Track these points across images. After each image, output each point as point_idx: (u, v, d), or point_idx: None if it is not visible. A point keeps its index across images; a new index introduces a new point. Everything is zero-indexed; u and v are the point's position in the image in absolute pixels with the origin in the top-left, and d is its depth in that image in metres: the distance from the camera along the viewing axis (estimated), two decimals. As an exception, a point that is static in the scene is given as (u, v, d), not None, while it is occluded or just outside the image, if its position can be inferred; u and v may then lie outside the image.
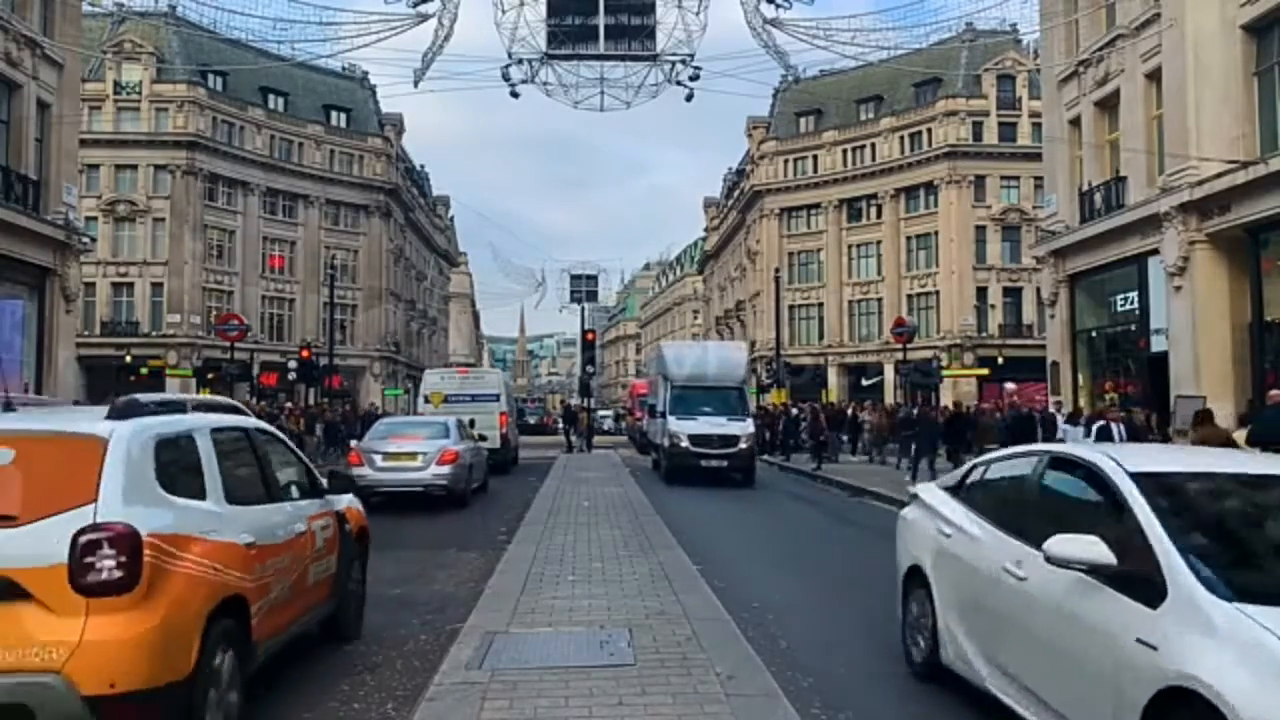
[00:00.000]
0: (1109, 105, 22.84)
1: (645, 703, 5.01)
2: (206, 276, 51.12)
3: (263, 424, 6.67)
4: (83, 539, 4.09)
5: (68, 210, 23.66)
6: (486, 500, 17.69)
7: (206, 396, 6.93)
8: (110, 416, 4.78)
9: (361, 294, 59.42)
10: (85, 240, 25.26)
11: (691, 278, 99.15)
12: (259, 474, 5.88)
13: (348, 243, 59.15)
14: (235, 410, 6.56)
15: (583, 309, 51.08)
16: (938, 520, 6.04)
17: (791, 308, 55.49)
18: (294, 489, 6.35)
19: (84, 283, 29.33)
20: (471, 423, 20.99)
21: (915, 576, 6.20)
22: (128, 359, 45.86)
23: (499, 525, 13.33)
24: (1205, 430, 13.87)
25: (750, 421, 22.53)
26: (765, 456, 28.07)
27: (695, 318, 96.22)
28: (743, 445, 20.99)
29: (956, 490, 6.24)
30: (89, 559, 4.07)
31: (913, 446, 21.88)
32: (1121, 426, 16.04)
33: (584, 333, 40.87)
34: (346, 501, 7.14)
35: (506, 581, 8.38)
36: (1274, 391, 14.52)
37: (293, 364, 38.45)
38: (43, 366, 22.90)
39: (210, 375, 42.05)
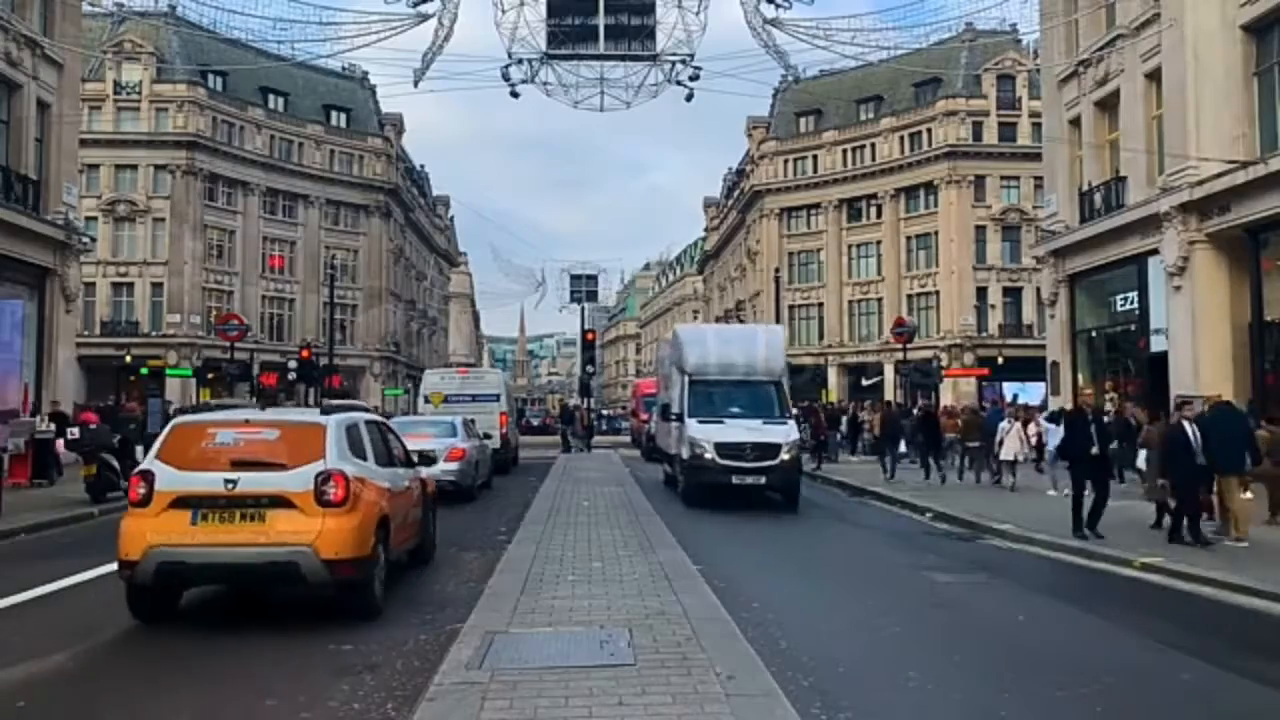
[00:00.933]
0: (1109, 105, 22.85)
1: (645, 703, 5.01)
2: (206, 276, 51.12)
3: (383, 419, 11.01)
4: (320, 476, 7.48)
5: (68, 210, 23.67)
6: (486, 500, 17.71)
7: (352, 401, 10.89)
8: (323, 413, 8.53)
9: (361, 294, 59.42)
10: (85, 240, 25.26)
11: (691, 278, 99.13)
12: (385, 448, 9.36)
13: (348, 243, 59.15)
14: (367, 410, 10.97)
15: (583, 309, 51.19)
16: None
17: (791, 308, 55.46)
18: (398, 460, 9.74)
19: (84, 283, 29.35)
20: (471, 423, 21.02)
21: None
22: (128, 359, 45.84)
23: (499, 525, 13.33)
24: (1148, 431, 14.02)
25: (793, 425, 17.71)
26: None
27: (695, 318, 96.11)
28: (785, 456, 16.35)
29: None
30: (323, 487, 7.46)
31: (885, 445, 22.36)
32: (1196, 428, 11.80)
33: (584, 333, 40.92)
34: (425, 472, 11.00)
35: (506, 581, 8.38)
36: (1211, 394, 14.70)
37: (293, 364, 38.47)
38: (43, 366, 22.89)
39: (210, 375, 42.13)
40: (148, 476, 7.53)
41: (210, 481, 7.38)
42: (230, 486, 7.33)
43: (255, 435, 7.86)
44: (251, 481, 7.38)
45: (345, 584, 7.55)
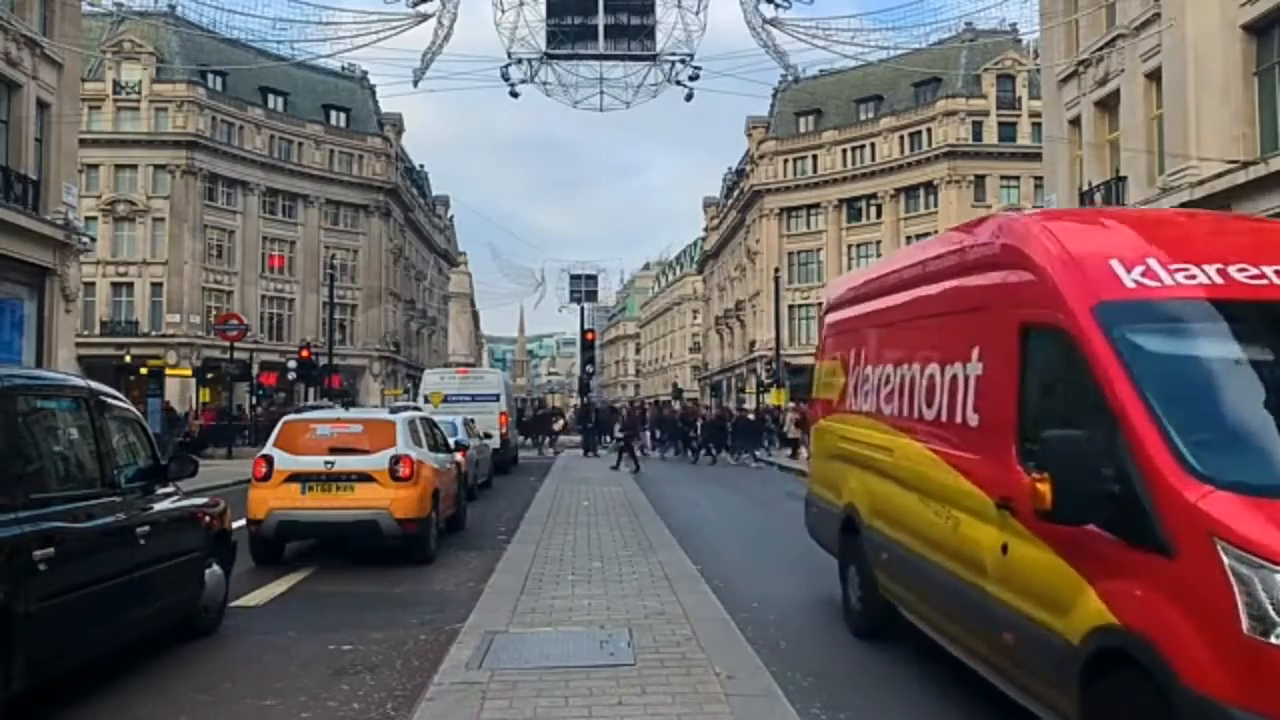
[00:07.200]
0: (1109, 105, 22.82)
1: (645, 703, 5.00)
2: (206, 276, 51.10)
3: (430, 416, 14.30)
4: (392, 459, 10.15)
5: (67, 210, 23.63)
6: (486, 499, 17.72)
7: (408, 401, 13.35)
8: (392, 412, 12.14)
9: (361, 294, 59.39)
10: (85, 240, 25.23)
11: (691, 277, 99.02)
12: (433, 438, 12.17)
13: (347, 243, 59.11)
14: (419, 410, 15.46)
15: (582, 309, 51.13)
16: None
17: (791, 307, 55.43)
18: (442, 448, 12.46)
19: (84, 282, 29.31)
20: (471, 422, 21.03)
21: None
22: (127, 359, 45.70)
23: (499, 524, 13.34)
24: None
25: None
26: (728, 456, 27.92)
27: (695, 317, 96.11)
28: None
29: None
30: (395, 466, 10.12)
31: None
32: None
33: (584, 333, 40.96)
34: (459, 456, 13.53)
35: (506, 581, 8.37)
36: None
37: (292, 364, 38.44)
38: (42, 366, 22.86)
39: (210, 375, 42.07)
40: (269, 459, 10.26)
41: (314, 463, 10.10)
42: (329, 466, 10.08)
43: (344, 429, 10.74)
44: (344, 463, 10.12)
45: (410, 537, 10.10)
